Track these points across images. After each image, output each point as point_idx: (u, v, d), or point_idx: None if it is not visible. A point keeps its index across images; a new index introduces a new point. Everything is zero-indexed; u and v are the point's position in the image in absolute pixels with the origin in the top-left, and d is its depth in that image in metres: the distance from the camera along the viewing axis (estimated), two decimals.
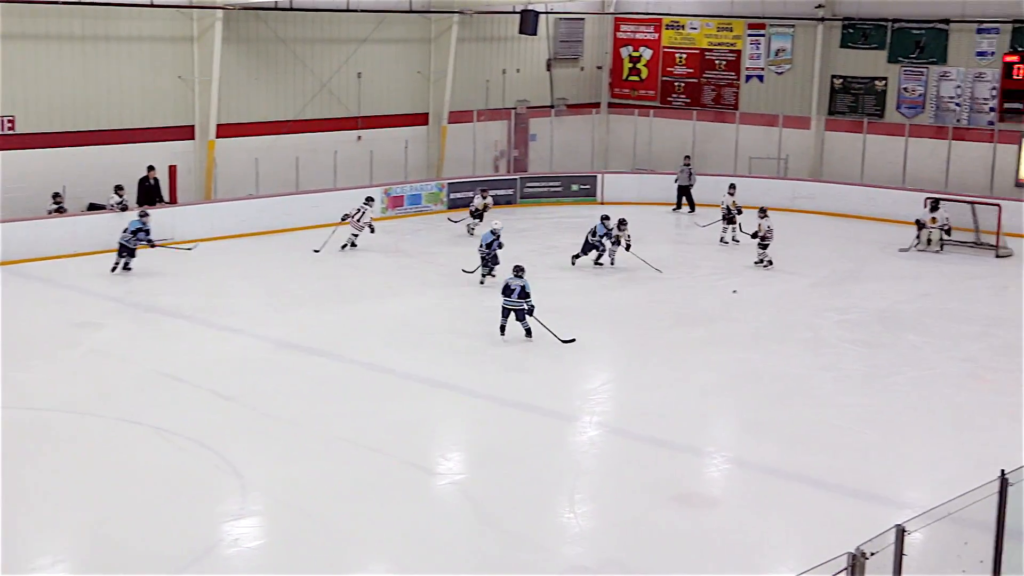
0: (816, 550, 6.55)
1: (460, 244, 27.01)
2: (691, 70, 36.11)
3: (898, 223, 28.79)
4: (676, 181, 32.12)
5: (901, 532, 6.60)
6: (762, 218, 24.82)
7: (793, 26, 33.88)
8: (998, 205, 26.46)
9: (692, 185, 31.91)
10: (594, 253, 24.59)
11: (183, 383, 16.67)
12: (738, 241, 26.86)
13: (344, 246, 25.70)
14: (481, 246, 23.09)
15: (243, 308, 21.09)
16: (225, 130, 28.47)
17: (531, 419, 15.83)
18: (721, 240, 27.31)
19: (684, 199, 31.88)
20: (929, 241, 26.50)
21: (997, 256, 26.10)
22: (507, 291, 19.01)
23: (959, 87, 31.14)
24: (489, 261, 22.94)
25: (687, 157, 32.49)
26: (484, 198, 28.28)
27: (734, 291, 22.69)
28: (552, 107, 35.63)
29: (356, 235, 25.79)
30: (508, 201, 31.94)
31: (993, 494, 7.39)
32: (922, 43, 31.59)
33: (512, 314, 19.00)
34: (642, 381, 17.76)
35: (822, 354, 18.94)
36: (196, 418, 15.18)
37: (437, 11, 32.61)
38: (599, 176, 33.29)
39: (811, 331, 20.17)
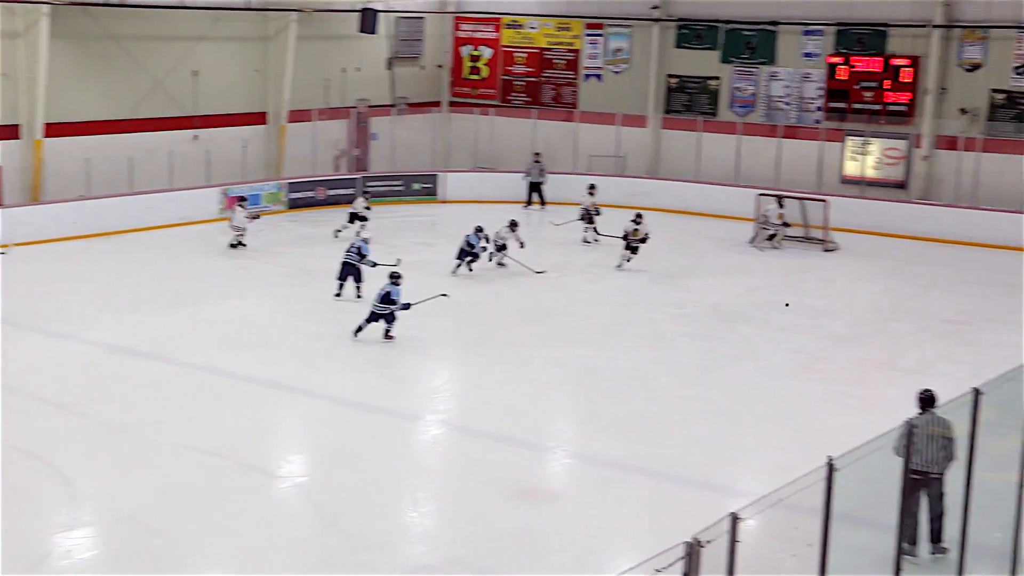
0: (656, 540, 6.67)
1: (302, 244, 26.70)
2: (531, 69, 36.42)
3: (732, 219, 29.60)
4: (526, 177, 32.42)
5: (735, 520, 6.76)
6: (637, 223, 24.74)
7: (630, 26, 34.46)
8: (825, 201, 27.38)
9: (543, 182, 32.26)
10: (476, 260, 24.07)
11: (10, 391, 16.05)
12: (599, 240, 27.13)
13: (233, 245, 25.80)
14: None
15: (73, 312, 20.44)
16: (54, 129, 27.53)
17: (374, 419, 15.74)
18: (584, 240, 27.53)
19: (535, 195, 32.21)
20: (772, 236, 27.13)
21: (825, 250, 27.00)
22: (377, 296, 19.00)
23: (788, 87, 32.12)
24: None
25: (537, 154, 32.81)
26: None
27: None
28: (393, 106, 35.50)
29: (240, 233, 25.91)
30: (349, 201, 31.65)
31: (821, 480, 7.63)
32: (753, 44, 32.50)
33: (374, 317, 18.93)
34: (484, 378, 17.83)
35: (659, 348, 19.32)
36: (24, 427, 14.64)
37: (274, 8, 32.15)
38: (440, 175, 33.33)
39: (649, 326, 20.55)
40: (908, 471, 9.85)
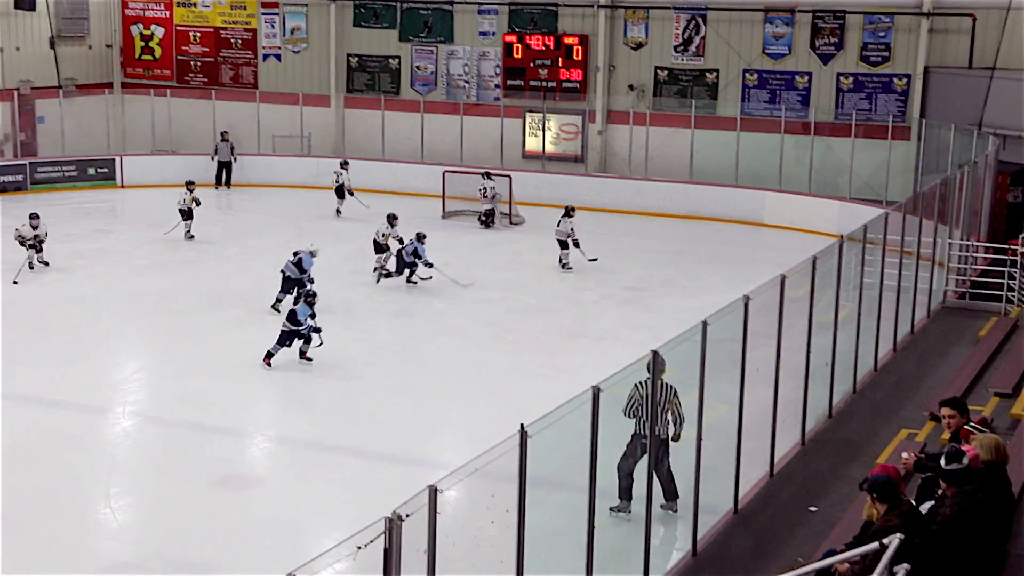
0: (362, 518, 6.70)
1: None
2: (207, 49, 35.46)
3: (419, 196, 29.87)
4: (215, 158, 31.63)
5: (434, 492, 6.88)
6: (568, 217, 23.34)
7: (307, 5, 34.14)
8: (509, 176, 28.14)
9: (233, 161, 31.57)
10: (406, 271, 22.04)
11: None
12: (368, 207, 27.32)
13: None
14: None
15: None
16: None
17: (59, 415, 15.05)
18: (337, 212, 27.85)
19: (224, 175, 31.50)
20: (491, 212, 27.40)
21: (511, 224, 27.76)
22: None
23: (466, 65, 32.74)
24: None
25: (224, 132, 32.03)
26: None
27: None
28: (60, 87, 33.72)
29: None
30: (17, 188, 30.00)
31: (515, 447, 7.87)
32: (430, 23, 32.89)
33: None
34: (177, 366, 17.33)
35: (355, 327, 19.36)
36: None
37: None
38: (118, 159, 32.00)
39: (344, 305, 20.54)
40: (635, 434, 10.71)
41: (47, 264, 21.99)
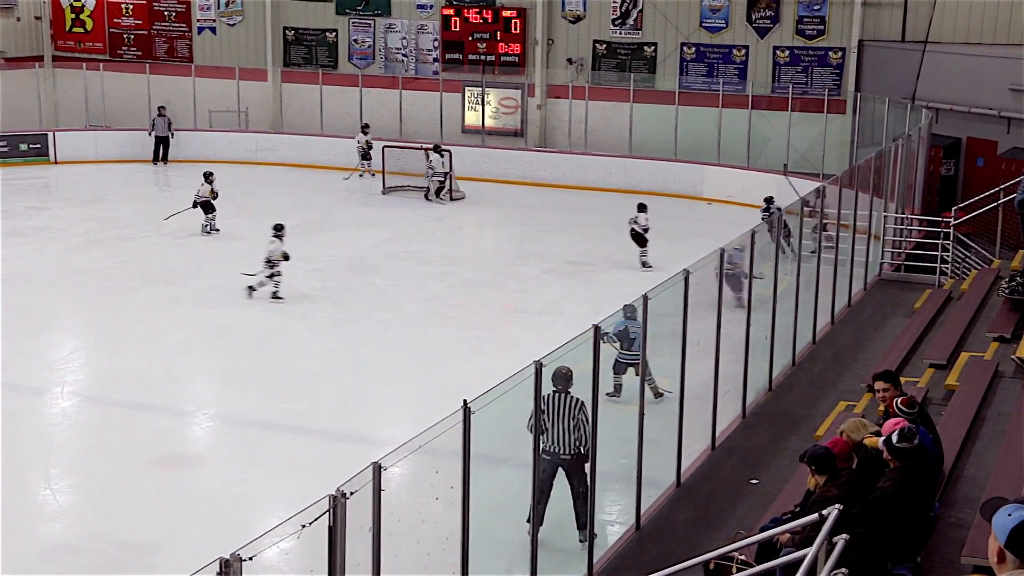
0: (304, 496, 6.69)
1: None
2: (139, 21, 34.92)
3: (353, 170, 29.70)
4: (152, 133, 31.22)
5: (378, 469, 6.89)
6: (643, 212, 21.84)
7: None
8: (448, 151, 28.04)
9: (171, 136, 31.18)
10: None
11: None
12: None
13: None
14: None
15: None
16: None
17: None
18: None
19: (162, 151, 31.11)
20: (442, 187, 27.26)
21: (452, 199, 27.68)
22: None
23: (404, 39, 32.53)
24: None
25: (161, 107, 31.59)
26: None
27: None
28: None
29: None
30: None
31: (459, 423, 7.90)
32: None
33: None
34: (114, 345, 17.15)
35: (294, 304, 19.22)
36: None
37: None
38: (50, 134, 31.48)
39: (283, 282, 20.35)
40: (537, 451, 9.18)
41: None
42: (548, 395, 10.03)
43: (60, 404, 14.88)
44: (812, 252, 15.35)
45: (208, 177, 23.72)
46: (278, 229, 19.66)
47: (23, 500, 12.03)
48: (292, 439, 13.77)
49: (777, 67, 28.88)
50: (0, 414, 14.24)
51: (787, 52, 28.75)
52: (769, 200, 22.07)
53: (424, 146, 28.50)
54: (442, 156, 27.38)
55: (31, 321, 17.82)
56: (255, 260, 20.93)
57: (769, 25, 28.83)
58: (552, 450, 10.29)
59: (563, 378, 10.29)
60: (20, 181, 28.57)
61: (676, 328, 11.09)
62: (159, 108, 31.65)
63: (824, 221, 15.67)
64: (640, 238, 21.64)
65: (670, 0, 29.65)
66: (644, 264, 21.40)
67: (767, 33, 28.89)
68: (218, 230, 23.55)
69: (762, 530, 7.92)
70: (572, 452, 10.32)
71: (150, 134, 31.34)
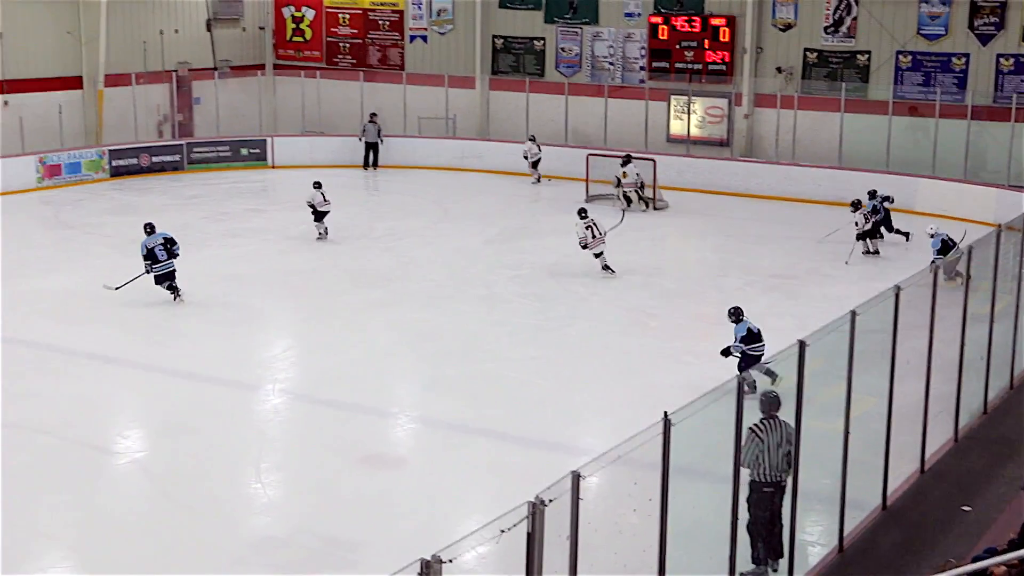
0: (502, 502, 6.74)
1: (126, 213, 25.90)
2: (355, 31, 36.01)
3: (563, 179, 29.87)
4: (362, 139, 32.18)
5: (577, 478, 6.89)
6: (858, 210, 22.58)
7: None
8: (653, 160, 27.90)
9: (380, 142, 32.08)
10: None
11: None
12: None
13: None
14: None
15: None
16: None
17: (211, 390, 15.49)
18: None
19: (372, 156, 32.04)
20: (628, 199, 27.16)
21: (655, 209, 27.52)
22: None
23: (611, 47, 32.55)
24: None
25: (373, 114, 32.54)
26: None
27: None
28: (215, 69, 34.67)
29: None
30: (175, 167, 30.99)
31: (658, 435, 7.83)
32: (575, 4, 32.77)
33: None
34: (323, 345, 17.70)
35: (497, 310, 19.47)
36: None
37: None
38: (269, 140, 32.77)
39: (486, 287, 20.68)
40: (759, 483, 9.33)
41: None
42: (758, 425, 9.67)
43: (272, 401, 15.43)
44: None
45: (317, 186, 23.77)
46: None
47: (236, 492, 12.52)
48: (491, 444, 13.92)
49: (1000, 76, 27.66)
50: (216, 408, 14.90)
51: (1012, 60, 27.50)
52: (872, 194, 21.94)
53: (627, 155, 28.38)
54: (625, 165, 27.19)
55: (247, 320, 18.54)
56: (463, 264, 21.35)
57: (993, 32, 27.64)
58: (774, 479, 9.76)
59: (772, 402, 9.82)
60: (240, 184, 29.84)
61: (884, 346, 10.74)
62: (371, 115, 32.55)
63: None
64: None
65: (886, 7, 28.77)
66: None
67: (990, 40, 27.70)
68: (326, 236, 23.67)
69: (975, 560, 7.58)
70: (782, 478, 9.84)
71: (360, 140, 32.26)
